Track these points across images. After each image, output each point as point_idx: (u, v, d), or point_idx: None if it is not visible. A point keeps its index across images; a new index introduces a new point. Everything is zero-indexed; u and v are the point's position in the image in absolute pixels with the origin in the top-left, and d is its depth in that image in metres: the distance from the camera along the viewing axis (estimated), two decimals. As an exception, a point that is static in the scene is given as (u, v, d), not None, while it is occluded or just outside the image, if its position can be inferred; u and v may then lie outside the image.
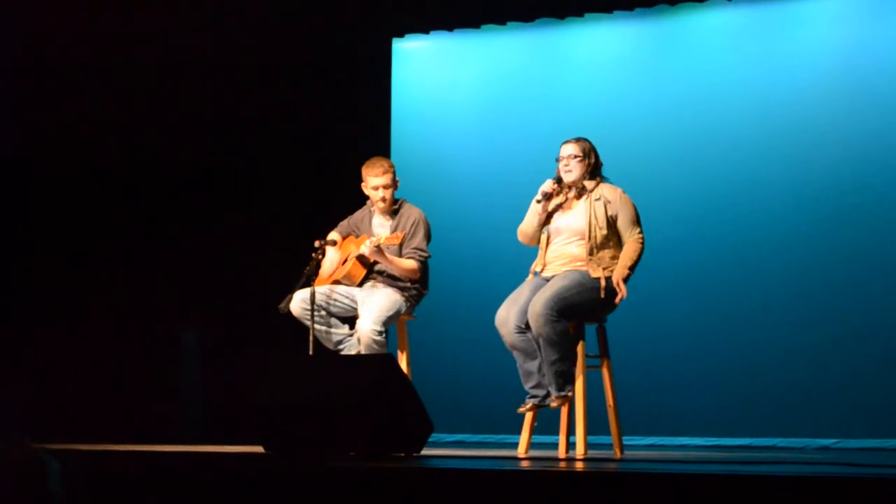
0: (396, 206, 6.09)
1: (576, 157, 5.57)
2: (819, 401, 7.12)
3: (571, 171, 5.57)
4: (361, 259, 5.96)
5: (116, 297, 7.69)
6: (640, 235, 5.48)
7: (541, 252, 5.63)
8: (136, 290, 7.77)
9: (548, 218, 5.62)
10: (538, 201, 5.57)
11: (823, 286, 7.23)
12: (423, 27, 8.36)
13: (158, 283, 7.78)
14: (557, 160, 5.61)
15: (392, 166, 6.07)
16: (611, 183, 5.61)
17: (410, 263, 5.94)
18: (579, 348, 5.44)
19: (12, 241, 7.57)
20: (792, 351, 7.24)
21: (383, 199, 6.04)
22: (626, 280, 5.41)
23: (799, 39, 7.51)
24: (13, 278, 7.51)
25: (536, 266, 5.62)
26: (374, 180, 6.02)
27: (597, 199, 5.52)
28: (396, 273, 5.94)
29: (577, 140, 5.62)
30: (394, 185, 6.06)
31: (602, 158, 5.65)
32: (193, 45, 7.87)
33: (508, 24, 8.16)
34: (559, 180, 5.60)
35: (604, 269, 5.43)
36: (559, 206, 5.62)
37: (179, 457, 4.92)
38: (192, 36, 7.83)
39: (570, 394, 5.41)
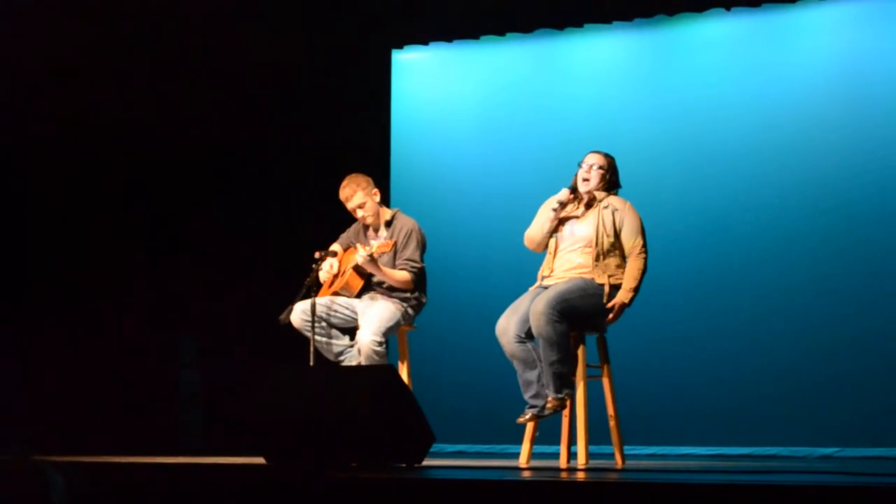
0: (390, 218, 6.10)
1: (599, 167, 5.60)
2: (820, 410, 7.13)
3: (590, 180, 5.59)
4: (358, 270, 5.96)
5: (116, 304, 7.69)
6: (644, 248, 5.49)
7: (548, 258, 5.65)
8: (135, 297, 7.77)
9: (557, 225, 5.64)
10: (554, 209, 5.59)
11: (824, 294, 7.24)
12: (423, 39, 8.39)
13: (158, 290, 7.78)
14: (579, 164, 5.63)
15: (360, 185, 6.00)
16: (621, 197, 5.64)
17: (403, 275, 5.94)
18: (580, 354, 5.44)
19: (11, 244, 7.56)
20: (793, 360, 7.25)
21: (363, 219, 6.06)
22: (629, 303, 5.42)
23: (798, 48, 7.53)
24: (12, 283, 7.50)
25: (544, 270, 5.63)
26: (348, 204, 6.04)
27: (605, 207, 5.55)
28: (390, 283, 5.94)
29: (605, 154, 5.66)
30: (371, 199, 6.03)
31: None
32: (193, 56, 7.88)
33: (508, 35, 8.19)
34: (574, 189, 5.62)
35: (609, 276, 5.45)
36: (570, 215, 5.64)
37: (180, 468, 4.92)
38: (191, 45, 7.84)
39: (566, 397, 5.38)
